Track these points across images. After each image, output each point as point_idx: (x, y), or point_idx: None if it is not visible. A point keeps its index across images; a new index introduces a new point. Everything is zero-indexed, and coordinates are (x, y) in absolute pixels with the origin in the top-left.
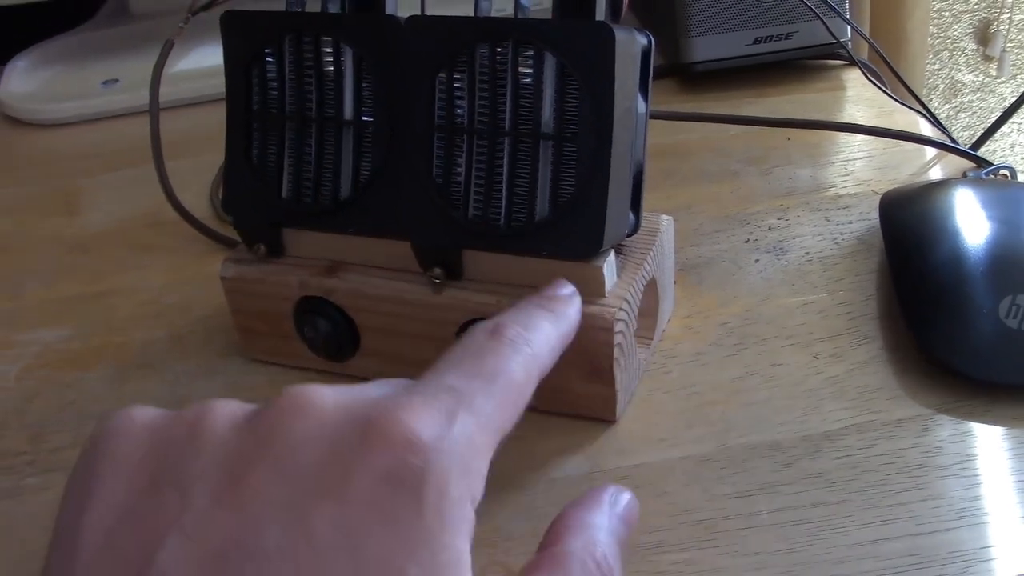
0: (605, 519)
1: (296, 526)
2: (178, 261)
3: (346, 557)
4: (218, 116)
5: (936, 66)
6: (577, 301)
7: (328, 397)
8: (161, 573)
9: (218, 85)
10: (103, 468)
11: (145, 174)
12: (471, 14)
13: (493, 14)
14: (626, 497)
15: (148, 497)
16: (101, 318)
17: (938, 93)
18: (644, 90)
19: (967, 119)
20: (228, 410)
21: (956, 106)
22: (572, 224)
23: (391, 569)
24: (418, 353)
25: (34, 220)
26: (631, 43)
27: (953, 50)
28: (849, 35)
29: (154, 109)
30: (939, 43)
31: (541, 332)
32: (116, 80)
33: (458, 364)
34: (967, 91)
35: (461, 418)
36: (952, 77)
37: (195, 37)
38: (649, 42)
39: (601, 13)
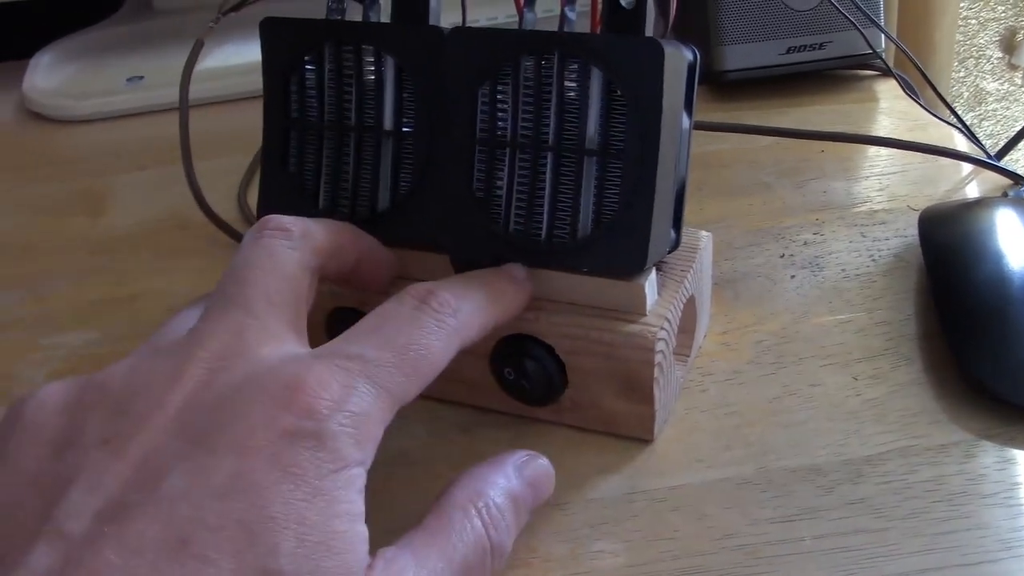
0: (500, 477)
1: (195, 474)
2: (206, 264)
3: (246, 501)
4: (243, 116)
5: (961, 74)
6: (525, 289)
7: (236, 358)
8: (58, 526)
9: (244, 84)
10: (11, 442)
11: (171, 174)
12: (514, 26)
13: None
14: (537, 463)
15: (51, 463)
16: (128, 322)
17: (962, 101)
18: (689, 106)
19: (991, 128)
20: (140, 369)
21: (980, 114)
22: (615, 241)
23: (291, 513)
24: (451, 368)
25: (58, 220)
26: (679, 58)
27: (979, 58)
28: (884, 45)
29: (184, 110)
30: (964, 51)
31: (472, 304)
32: (141, 77)
33: (375, 330)
34: (991, 99)
35: (362, 388)
36: (977, 85)
37: (221, 35)
38: (695, 57)
39: (650, 28)
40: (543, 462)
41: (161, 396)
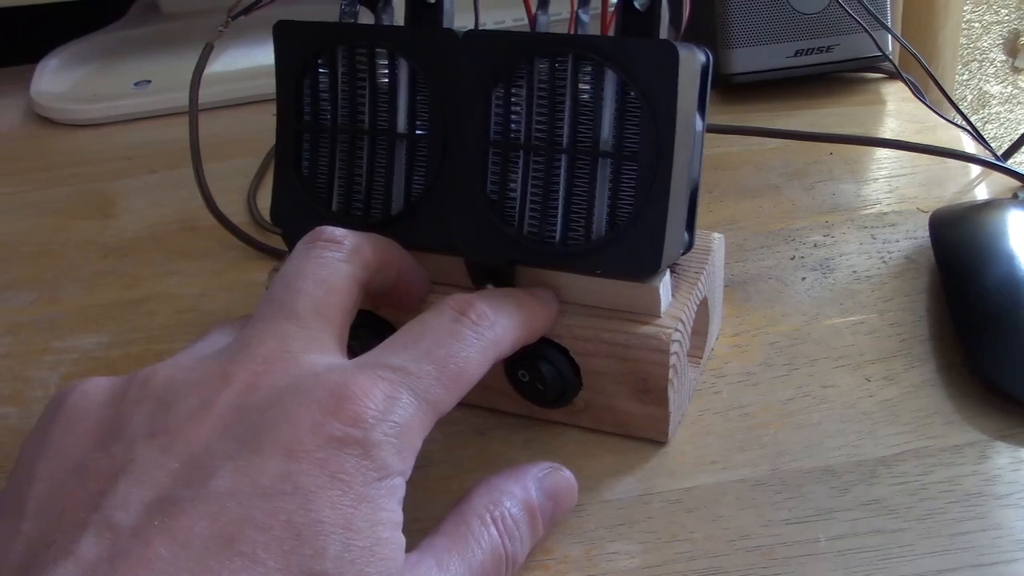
0: (518, 487)
1: (243, 473)
2: (216, 267)
3: (294, 503)
4: (251, 119)
5: (965, 77)
6: (553, 311)
7: (282, 363)
8: (108, 516)
9: (251, 88)
10: (56, 430)
11: (180, 178)
12: (522, 29)
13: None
14: (558, 475)
15: (97, 452)
16: (140, 325)
17: (966, 104)
18: (702, 108)
19: (995, 130)
20: (186, 368)
21: (984, 117)
22: (629, 243)
23: (338, 518)
24: None
25: (69, 223)
26: (692, 61)
27: (982, 61)
28: (891, 48)
29: (193, 113)
30: (968, 54)
31: (508, 319)
32: (148, 81)
33: (416, 342)
34: (995, 102)
35: (404, 399)
36: (980, 88)
37: (228, 39)
38: (708, 59)
39: (664, 30)
40: (565, 475)
41: (208, 395)
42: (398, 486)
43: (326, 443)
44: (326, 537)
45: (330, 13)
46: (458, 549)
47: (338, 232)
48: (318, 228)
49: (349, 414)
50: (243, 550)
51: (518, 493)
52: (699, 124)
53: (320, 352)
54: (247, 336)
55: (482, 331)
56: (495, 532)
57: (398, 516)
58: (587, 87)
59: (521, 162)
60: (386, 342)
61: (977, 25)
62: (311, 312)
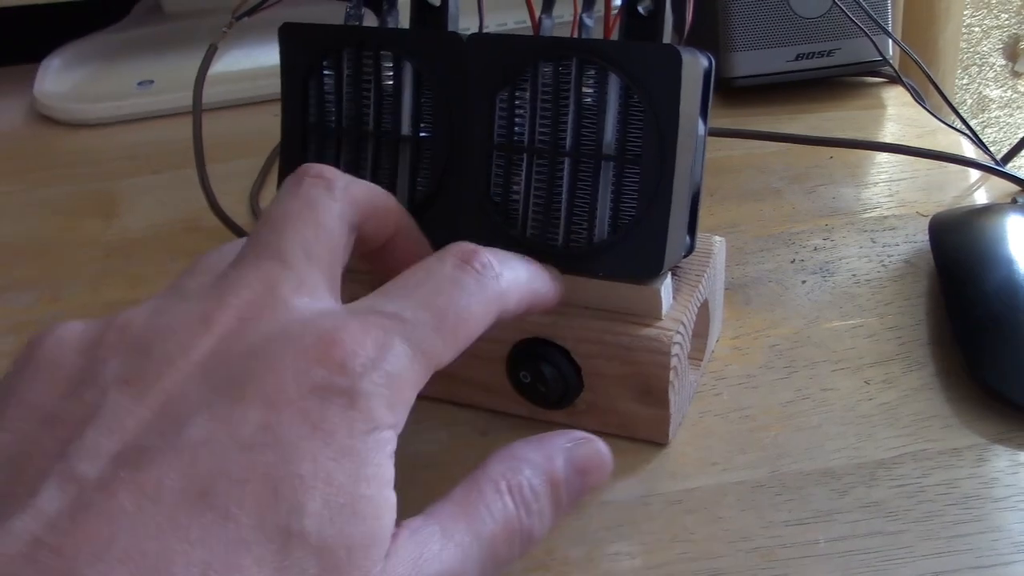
0: (541, 456)
1: (220, 422)
2: None
3: (273, 455)
4: (253, 120)
5: (964, 81)
6: (558, 285)
7: (268, 308)
8: (71, 466)
9: (254, 88)
10: (26, 377)
11: (183, 178)
12: (524, 32)
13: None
14: (591, 446)
15: (66, 401)
16: None
17: (966, 108)
18: (704, 112)
19: (994, 135)
20: (165, 312)
21: (983, 121)
22: (632, 246)
23: (319, 472)
24: (467, 371)
25: (72, 222)
26: (695, 65)
27: (982, 65)
28: (892, 52)
29: (197, 114)
30: (968, 58)
31: (515, 272)
32: (151, 81)
33: (415, 289)
34: (994, 107)
35: (397, 348)
36: (980, 92)
37: (231, 40)
38: (710, 63)
39: (668, 35)
40: (599, 446)
41: (187, 341)
42: (387, 439)
43: (309, 391)
44: (305, 493)
45: (333, 14)
46: (466, 517)
47: (327, 169)
48: (305, 164)
49: (336, 361)
50: (215, 504)
51: (541, 463)
52: (701, 128)
53: (309, 296)
54: (231, 277)
55: (486, 282)
56: (510, 502)
57: (388, 472)
58: (591, 91)
59: (525, 165)
60: (383, 287)
61: (977, 29)
62: (299, 253)
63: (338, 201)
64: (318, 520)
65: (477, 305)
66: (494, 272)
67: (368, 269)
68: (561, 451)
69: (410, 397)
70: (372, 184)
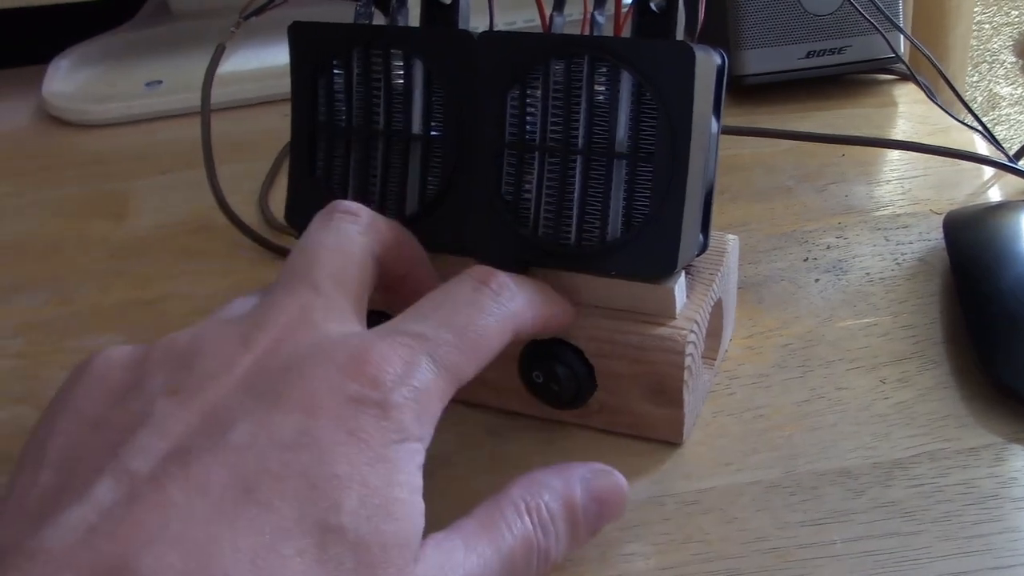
0: (560, 482)
1: (261, 427)
2: (229, 268)
3: (311, 456)
4: (261, 120)
5: (975, 78)
6: (571, 309)
7: (302, 330)
8: (124, 463)
9: (261, 88)
10: (77, 390)
11: (192, 178)
12: (533, 30)
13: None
14: (609, 479)
15: (115, 409)
16: (153, 325)
17: (976, 105)
18: (717, 109)
19: (1005, 132)
20: (207, 335)
21: (994, 119)
22: (645, 245)
23: (355, 474)
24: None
25: (81, 223)
26: (708, 62)
27: (992, 62)
28: (904, 50)
29: (206, 114)
30: (978, 55)
31: (529, 293)
32: (160, 82)
33: (435, 310)
34: (1005, 104)
35: (423, 365)
36: (990, 90)
37: (240, 40)
38: (723, 61)
39: (680, 32)
40: (616, 479)
41: (228, 358)
42: (417, 451)
43: (345, 402)
44: (342, 491)
45: (340, 13)
46: (487, 533)
47: (354, 205)
48: (335, 201)
49: (368, 376)
50: (259, 499)
51: (559, 488)
52: (714, 126)
53: (338, 321)
54: (268, 304)
55: (502, 302)
56: (528, 522)
57: (417, 480)
58: (603, 88)
59: (536, 163)
60: (407, 311)
61: (988, 27)
62: (330, 281)
63: (364, 234)
64: (354, 517)
65: (495, 323)
66: (510, 292)
67: (384, 299)
68: (580, 479)
69: (436, 411)
70: (394, 221)
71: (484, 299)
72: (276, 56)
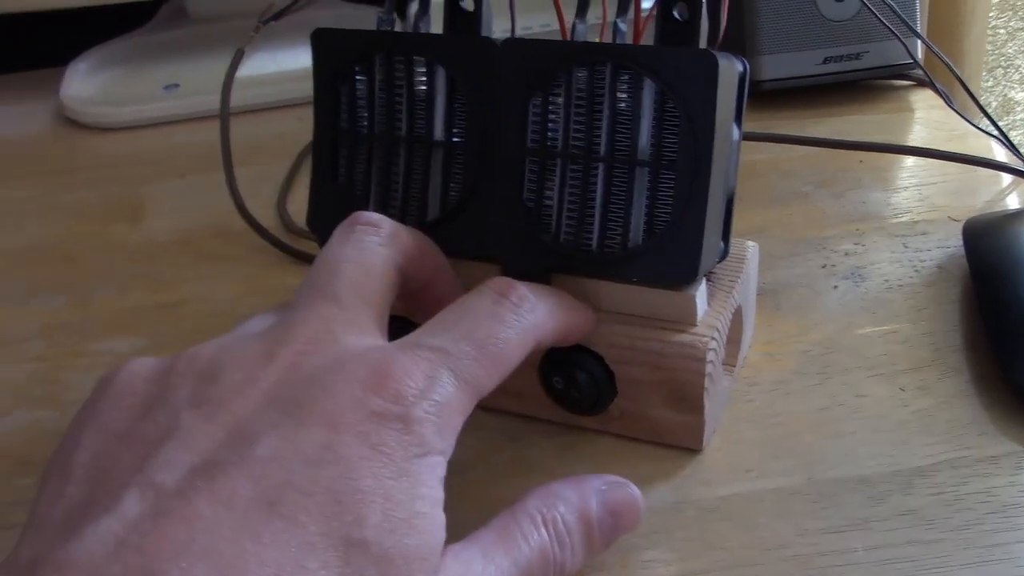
0: (575, 495)
1: (286, 441)
2: (248, 272)
3: (336, 471)
4: (278, 124)
5: (990, 84)
6: (591, 316)
7: (324, 344)
8: (151, 477)
9: (279, 92)
10: (103, 404)
11: (210, 182)
12: (550, 36)
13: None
14: (624, 491)
15: (141, 422)
16: (172, 329)
17: (990, 111)
18: (739, 116)
19: (1019, 137)
20: (231, 348)
21: (1009, 124)
22: (667, 252)
23: (378, 488)
24: None
25: (99, 226)
26: (730, 70)
27: (1007, 68)
28: (920, 55)
29: (225, 118)
30: (993, 60)
31: (549, 306)
32: (177, 85)
33: (456, 324)
34: (1020, 109)
35: (444, 379)
36: (1005, 95)
37: (257, 44)
38: (745, 68)
39: (703, 40)
40: (631, 491)
41: (252, 372)
42: (439, 464)
43: (367, 417)
44: (366, 506)
45: (358, 17)
46: (505, 544)
47: (375, 217)
48: (356, 213)
49: (390, 391)
50: (284, 513)
51: (574, 500)
52: (736, 133)
53: (360, 334)
54: (290, 318)
55: (522, 313)
56: (544, 533)
57: (439, 494)
58: (625, 96)
59: (558, 170)
60: (427, 324)
61: (1002, 31)
62: (351, 295)
63: (386, 246)
64: (378, 531)
65: (515, 336)
66: (530, 304)
67: (406, 306)
68: (595, 492)
69: (457, 424)
70: (416, 230)
71: (504, 312)
72: (293, 60)
